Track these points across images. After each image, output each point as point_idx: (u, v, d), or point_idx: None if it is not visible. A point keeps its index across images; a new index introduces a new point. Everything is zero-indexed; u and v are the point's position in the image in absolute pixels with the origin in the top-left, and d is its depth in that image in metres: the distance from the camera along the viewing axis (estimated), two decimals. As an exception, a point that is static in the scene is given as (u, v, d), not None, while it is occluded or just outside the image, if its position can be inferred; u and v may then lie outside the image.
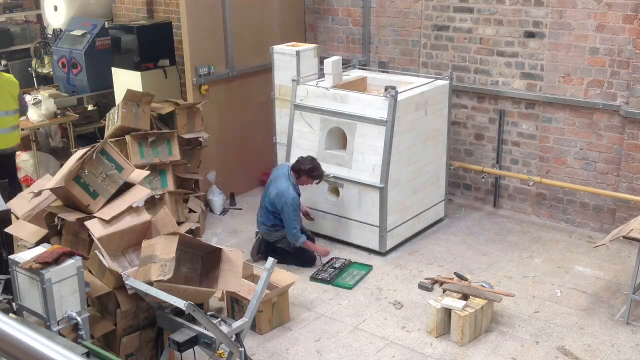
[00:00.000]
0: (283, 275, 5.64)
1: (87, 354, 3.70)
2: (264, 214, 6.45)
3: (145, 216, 4.87)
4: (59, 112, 8.55)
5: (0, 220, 4.98)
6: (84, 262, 4.40)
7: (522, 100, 7.20)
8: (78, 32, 9.44)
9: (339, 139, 6.74)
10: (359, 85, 7.14)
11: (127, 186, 4.99)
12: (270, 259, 4.52)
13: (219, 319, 4.29)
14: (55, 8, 10.06)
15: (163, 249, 4.38)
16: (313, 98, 6.74)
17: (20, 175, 8.35)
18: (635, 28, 6.35)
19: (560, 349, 5.13)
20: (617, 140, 6.68)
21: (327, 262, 6.38)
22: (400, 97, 6.28)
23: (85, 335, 4.26)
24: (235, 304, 5.41)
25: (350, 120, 6.48)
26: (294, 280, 5.60)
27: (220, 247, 4.67)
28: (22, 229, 4.90)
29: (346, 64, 7.81)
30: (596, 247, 6.27)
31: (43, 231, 4.86)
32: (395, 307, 5.74)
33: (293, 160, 6.92)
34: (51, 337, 2.76)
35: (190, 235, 4.91)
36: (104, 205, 4.82)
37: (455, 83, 7.26)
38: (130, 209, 4.82)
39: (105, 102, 9.46)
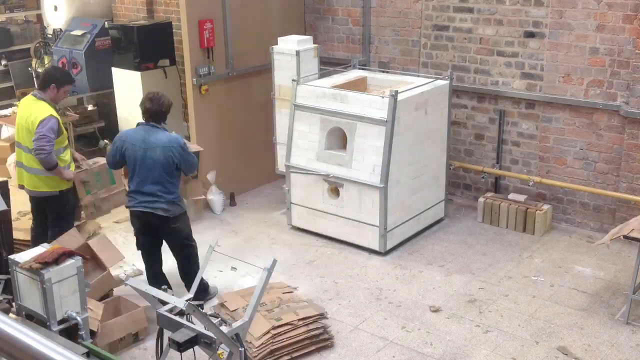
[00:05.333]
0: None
1: (87, 354, 3.71)
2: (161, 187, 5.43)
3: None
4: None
5: (0, 220, 4.99)
6: (83, 262, 4.41)
7: (522, 100, 7.20)
8: (78, 32, 9.44)
9: (339, 139, 6.74)
10: (359, 85, 7.14)
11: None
12: (271, 258, 4.51)
13: (219, 318, 4.30)
14: (55, 8, 10.06)
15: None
16: (313, 98, 6.74)
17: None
18: (635, 28, 6.35)
19: (560, 349, 5.13)
20: (617, 140, 6.68)
21: None
22: (400, 97, 6.28)
23: (85, 335, 4.26)
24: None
25: (350, 120, 6.48)
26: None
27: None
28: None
29: (346, 64, 7.82)
30: (596, 247, 6.27)
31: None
32: (394, 306, 5.74)
33: (294, 160, 6.93)
34: (51, 337, 2.76)
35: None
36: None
37: (455, 83, 7.26)
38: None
39: (106, 102, 9.46)
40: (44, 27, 10.51)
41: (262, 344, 4.92)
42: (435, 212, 7.20)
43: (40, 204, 6.01)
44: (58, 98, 5.98)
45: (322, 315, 5.28)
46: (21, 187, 6.07)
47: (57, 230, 5.81)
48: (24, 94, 9.18)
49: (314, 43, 7.41)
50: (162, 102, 5.47)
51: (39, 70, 10.22)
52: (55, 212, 5.97)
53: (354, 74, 7.38)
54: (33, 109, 5.79)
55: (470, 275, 6.24)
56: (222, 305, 5.50)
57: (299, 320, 5.12)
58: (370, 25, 8.08)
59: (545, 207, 7.01)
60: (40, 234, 6.00)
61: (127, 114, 9.24)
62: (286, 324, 5.07)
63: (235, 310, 5.29)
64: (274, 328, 5.01)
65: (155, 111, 5.43)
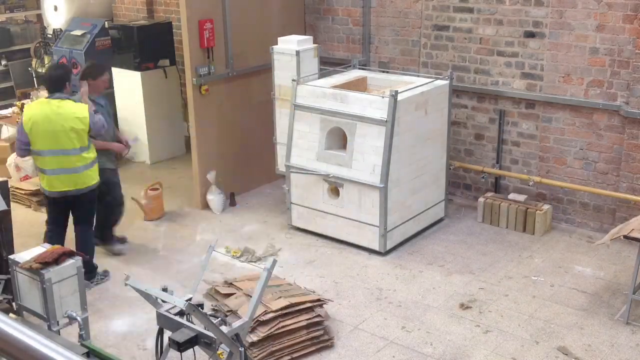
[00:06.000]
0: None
1: (87, 354, 3.71)
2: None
3: None
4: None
5: (0, 220, 4.99)
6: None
7: (522, 100, 7.20)
8: (78, 32, 9.45)
9: (339, 139, 6.74)
10: (359, 85, 7.14)
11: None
12: (270, 259, 4.51)
13: (219, 318, 4.30)
14: (56, 8, 10.07)
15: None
16: (313, 98, 6.74)
17: (20, 175, 8.36)
18: (635, 28, 6.35)
19: (561, 349, 5.13)
20: (617, 140, 6.68)
21: None
22: (400, 97, 6.28)
23: (85, 335, 4.26)
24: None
25: (350, 120, 6.48)
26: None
27: None
28: None
29: (346, 64, 7.82)
30: (596, 247, 6.27)
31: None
32: (394, 306, 5.74)
33: (294, 160, 6.93)
34: (51, 337, 2.76)
35: None
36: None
37: (455, 83, 7.26)
38: None
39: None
40: (44, 27, 10.52)
41: (274, 320, 4.99)
42: (435, 212, 7.20)
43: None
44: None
45: (320, 300, 5.36)
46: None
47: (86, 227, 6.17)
48: (24, 94, 9.22)
49: (314, 43, 7.41)
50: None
51: (39, 70, 10.24)
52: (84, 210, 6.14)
53: (354, 74, 7.38)
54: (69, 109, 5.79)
55: (470, 275, 6.24)
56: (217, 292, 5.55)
57: (309, 301, 5.21)
58: (370, 25, 8.08)
59: (545, 207, 7.01)
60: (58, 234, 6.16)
61: (127, 113, 9.26)
62: (299, 302, 5.15)
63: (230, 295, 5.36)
64: (291, 305, 5.08)
65: None
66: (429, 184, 7.01)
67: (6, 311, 4.41)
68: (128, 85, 9.05)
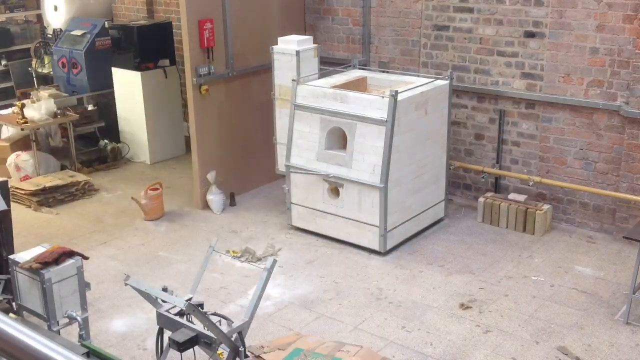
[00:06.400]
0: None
1: (87, 354, 3.71)
2: None
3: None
4: (59, 112, 8.56)
5: (0, 220, 4.99)
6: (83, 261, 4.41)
7: (522, 100, 7.20)
8: (78, 32, 9.45)
9: (339, 139, 6.75)
10: (359, 85, 7.14)
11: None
12: (270, 259, 4.52)
13: (219, 318, 4.30)
14: (56, 8, 10.08)
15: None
16: (313, 98, 6.74)
17: (20, 175, 8.36)
18: (635, 28, 6.35)
19: (561, 349, 5.13)
20: (617, 140, 6.68)
21: None
22: (400, 97, 6.28)
23: (85, 335, 4.26)
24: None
25: (350, 120, 6.48)
26: None
27: None
28: None
29: (346, 64, 7.82)
30: (596, 246, 6.26)
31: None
32: (394, 306, 5.74)
33: (294, 160, 6.92)
34: (51, 337, 2.76)
35: None
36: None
37: (455, 83, 7.26)
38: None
39: (105, 102, 9.48)
40: (44, 27, 10.53)
41: None
42: (435, 212, 7.20)
43: None
44: None
45: None
46: None
47: None
48: (24, 94, 9.22)
49: (314, 43, 7.41)
50: None
51: (39, 70, 10.24)
52: None
53: (354, 74, 7.38)
54: None
55: (470, 275, 6.24)
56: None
57: None
58: (370, 25, 8.08)
59: (545, 207, 7.01)
60: None
61: (127, 113, 9.26)
62: None
63: None
64: None
65: None
66: (429, 184, 7.01)
67: (6, 311, 4.41)
68: (128, 85, 9.05)
